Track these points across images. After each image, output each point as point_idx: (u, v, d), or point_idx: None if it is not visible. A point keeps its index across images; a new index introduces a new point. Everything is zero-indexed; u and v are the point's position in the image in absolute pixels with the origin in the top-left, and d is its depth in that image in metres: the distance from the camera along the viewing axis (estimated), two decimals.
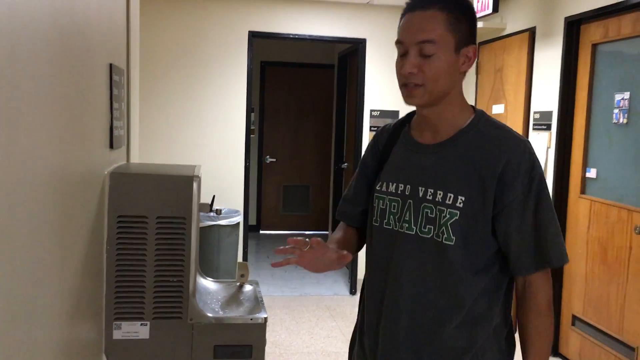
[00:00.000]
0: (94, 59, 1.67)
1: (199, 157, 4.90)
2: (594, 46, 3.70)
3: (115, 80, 1.92)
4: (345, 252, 1.38)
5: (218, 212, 1.97)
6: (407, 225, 1.38)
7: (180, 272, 1.84)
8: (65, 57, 1.35)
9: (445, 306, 1.35)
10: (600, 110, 3.67)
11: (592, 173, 3.73)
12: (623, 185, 3.49)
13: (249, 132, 5.08)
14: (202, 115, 4.97)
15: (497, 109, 4.65)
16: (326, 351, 3.98)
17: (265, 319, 1.94)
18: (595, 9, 3.57)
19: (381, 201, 1.45)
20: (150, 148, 4.76)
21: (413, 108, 1.47)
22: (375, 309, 1.44)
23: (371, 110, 5.18)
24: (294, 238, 1.36)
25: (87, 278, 1.66)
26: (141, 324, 1.84)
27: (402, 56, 1.35)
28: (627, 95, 3.41)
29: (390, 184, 1.44)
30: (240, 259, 5.08)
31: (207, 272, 4.16)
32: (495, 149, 1.33)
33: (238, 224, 4.87)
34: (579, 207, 3.80)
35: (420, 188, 1.38)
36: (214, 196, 2.06)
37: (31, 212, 1.12)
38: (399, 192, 1.42)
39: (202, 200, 4.28)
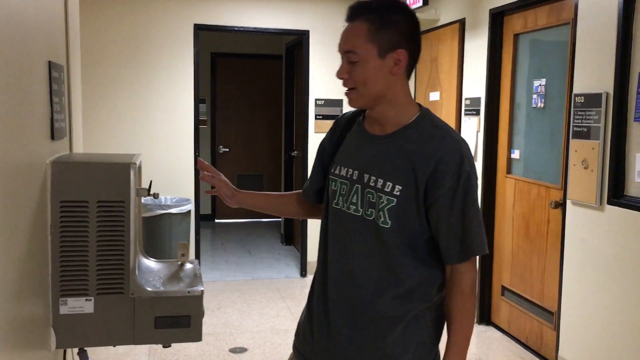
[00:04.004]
0: (32, 58, 1.82)
1: (148, 148, 5.02)
2: (516, 36, 3.98)
3: (55, 76, 2.07)
4: (232, 196, 1.76)
5: (155, 195, 2.14)
6: (354, 207, 1.54)
7: (121, 251, 2.01)
8: (1, 57, 1.50)
9: (383, 280, 1.51)
10: (521, 96, 3.96)
11: (516, 154, 4.03)
12: (541, 164, 3.79)
13: (197, 122, 5.23)
14: (150, 107, 5.09)
15: (433, 96, 4.92)
16: (275, 329, 4.19)
17: (202, 291, 2.13)
18: (515, 1, 3.84)
19: (333, 183, 1.61)
20: (99, 140, 4.86)
21: None
22: (324, 279, 1.61)
23: (316, 100, 5.39)
24: (202, 162, 1.77)
25: (32, 258, 1.81)
26: (86, 300, 2.01)
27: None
28: (543, 81, 3.70)
29: (342, 167, 1.59)
30: (192, 246, 5.24)
31: (159, 258, 4.32)
32: (430, 147, 1.47)
33: (189, 212, 5.03)
34: (505, 186, 4.10)
35: (365, 175, 1.53)
36: (150, 181, 2.23)
37: None
38: (348, 176, 1.57)
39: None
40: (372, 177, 1.52)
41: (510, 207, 4.04)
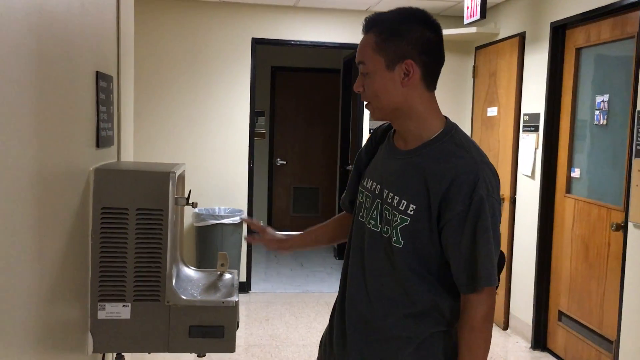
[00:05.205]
0: (78, 68, 1.87)
1: (203, 158, 5.12)
2: (578, 50, 3.82)
3: (102, 85, 2.13)
4: (278, 250, 1.92)
5: (194, 205, 2.17)
6: (373, 222, 1.51)
7: (158, 258, 2.03)
8: (46, 68, 1.55)
9: (396, 299, 1.46)
10: (583, 112, 3.79)
11: (576, 173, 3.84)
12: (603, 184, 3.61)
13: (253, 134, 5.29)
14: (206, 118, 5.19)
15: (491, 112, 4.78)
16: None
17: (237, 302, 2.12)
18: (577, 14, 3.70)
19: (361, 195, 1.58)
20: (152, 149, 4.99)
21: None
22: (344, 292, 1.59)
23: None
24: (246, 219, 1.86)
25: (71, 263, 1.86)
26: (123, 305, 2.04)
27: None
28: (606, 97, 3.53)
29: (369, 180, 1.56)
30: (244, 256, 5.28)
31: (210, 267, 4.38)
32: (446, 167, 1.39)
33: (242, 222, 5.07)
34: (564, 206, 3.92)
35: (384, 190, 1.49)
36: (189, 191, 2.26)
37: (7, 204, 1.32)
38: (372, 189, 1.53)
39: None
40: (390, 194, 1.47)
41: (569, 228, 3.85)
